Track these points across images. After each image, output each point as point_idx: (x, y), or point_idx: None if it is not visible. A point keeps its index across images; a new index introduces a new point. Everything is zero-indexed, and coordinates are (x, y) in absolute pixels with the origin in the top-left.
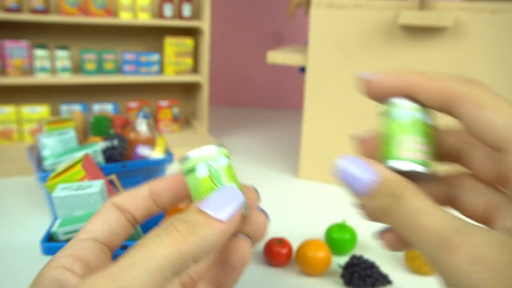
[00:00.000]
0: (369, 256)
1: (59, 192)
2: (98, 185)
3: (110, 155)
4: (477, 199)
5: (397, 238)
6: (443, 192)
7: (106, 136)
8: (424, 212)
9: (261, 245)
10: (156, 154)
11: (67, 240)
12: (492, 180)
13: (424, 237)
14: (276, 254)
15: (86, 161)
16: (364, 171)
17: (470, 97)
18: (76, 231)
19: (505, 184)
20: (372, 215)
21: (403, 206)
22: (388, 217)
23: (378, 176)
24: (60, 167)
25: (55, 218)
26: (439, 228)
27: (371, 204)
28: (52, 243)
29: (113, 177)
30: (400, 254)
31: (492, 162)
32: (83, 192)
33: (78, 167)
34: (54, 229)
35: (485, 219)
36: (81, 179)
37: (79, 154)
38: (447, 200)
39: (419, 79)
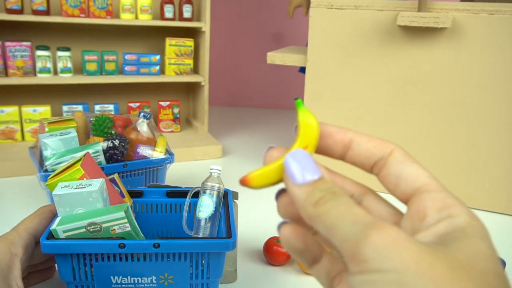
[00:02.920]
0: None
1: (59, 190)
2: (97, 183)
3: (111, 155)
4: (382, 214)
5: (302, 234)
6: (352, 193)
7: (107, 136)
8: (355, 205)
9: (261, 244)
10: (157, 154)
11: (67, 238)
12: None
13: (354, 219)
14: (276, 253)
15: (86, 160)
16: (311, 167)
17: (397, 152)
18: (75, 229)
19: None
20: (301, 203)
21: (340, 199)
22: (320, 205)
23: (320, 175)
24: (61, 167)
25: (55, 216)
26: (369, 216)
27: (306, 192)
28: (52, 240)
29: (115, 176)
30: None
31: (383, 210)
32: (83, 190)
33: (78, 166)
34: (53, 227)
35: None
36: (81, 178)
37: (80, 154)
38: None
39: (360, 135)
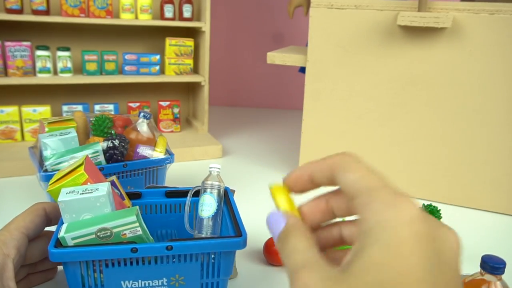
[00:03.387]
0: None
1: (65, 196)
2: (104, 188)
3: (111, 155)
4: (344, 230)
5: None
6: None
7: (107, 136)
8: (296, 252)
9: (261, 244)
10: (157, 154)
11: (76, 245)
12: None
13: (288, 263)
14: (276, 253)
15: (87, 164)
16: (278, 222)
17: (337, 163)
18: (85, 235)
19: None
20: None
21: (288, 241)
22: (279, 242)
23: (285, 222)
24: (60, 171)
25: (61, 223)
26: (297, 261)
27: (277, 247)
28: (61, 249)
29: (114, 178)
30: None
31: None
32: (90, 195)
33: (81, 170)
34: (61, 234)
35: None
36: (85, 183)
37: (80, 154)
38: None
39: (314, 165)
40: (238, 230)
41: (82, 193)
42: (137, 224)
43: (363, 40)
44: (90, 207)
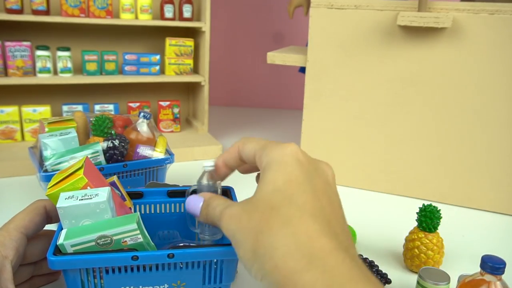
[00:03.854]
0: (368, 255)
1: (63, 202)
2: (104, 193)
3: (111, 155)
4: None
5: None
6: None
7: (107, 136)
8: (217, 205)
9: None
10: (157, 154)
11: (76, 252)
12: None
13: (214, 216)
14: None
15: (87, 166)
16: (197, 201)
17: (241, 144)
18: (85, 242)
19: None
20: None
21: (208, 207)
22: (206, 218)
23: (202, 200)
24: (58, 174)
25: (60, 228)
26: (220, 209)
27: (203, 218)
28: (60, 256)
29: (115, 178)
30: (400, 254)
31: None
32: (90, 201)
33: (80, 174)
34: (60, 241)
35: None
36: (84, 187)
37: (80, 154)
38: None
39: (225, 154)
40: None
41: (82, 199)
42: (138, 231)
43: (363, 40)
44: (90, 213)
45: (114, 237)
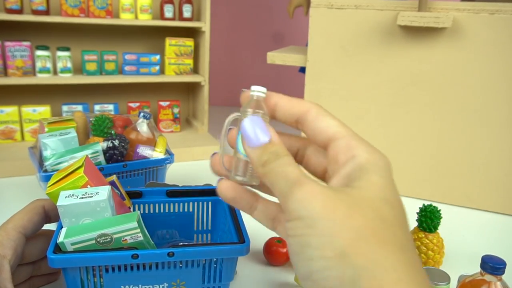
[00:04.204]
0: None
1: (64, 200)
2: (105, 192)
3: (111, 155)
4: (319, 160)
5: (232, 187)
6: (298, 148)
7: (107, 136)
8: (289, 165)
9: (261, 245)
10: (157, 154)
11: (76, 251)
12: (320, 171)
13: (286, 178)
14: (276, 253)
15: (87, 165)
16: (263, 132)
17: (312, 110)
18: (85, 241)
19: (328, 175)
20: (254, 162)
21: (279, 160)
22: (266, 166)
23: (270, 138)
24: (58, 173)
25: (59, 227)
26: (296, 173)
27: (258, 155)
28: (60, 254)
29: (114, 178)
30: None
31: (320, 155)
32: (90, 200)
33: (81, 173)
34: (60, 239)
35: (323, 179)
36: (84, 185)
37: (80, 154)
38: (299, 155)
39: (284, 99)
40: (241, 236)
41: (82, 197)
42: (138, 230)
43: (363, 40)
44: (90, 211)
45: (115, 236)
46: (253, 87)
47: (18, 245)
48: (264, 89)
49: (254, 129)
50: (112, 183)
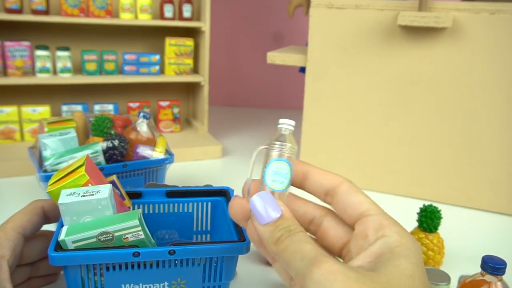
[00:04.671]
0: None
1: (65, 198)
2: (106, 190)
3: (110, 155)
4: (339, 234)
5: (243, 211)
6: (314, 216)
7: (107, 136)
8: (305, 242)
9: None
10: (156, 154)
11: (77, 249)
12: (338, 246)
13: (302, 256)
14: None
15: (88, 164)
16: (273, 208)
17: (345, 184)
18: (86, 238)
19: (348, 251)
20: (265, 240)
21: (294, 237)
22: (279, 244)
23: (281, 213)
24: (59, 171)
25: (60, 225)
26: (313, 252)
27: (270, 231)
28: (61, 252)
29: (114, 177)
30: None
31: (340, 230)
32: (92, 198)
33: (82, 171)
34: (61, 237)
35: (339, 254)
36: (85, 184)
37: (80, 154)
38: (314, 224)
39: (313, 169)
40: (241, 235)
41: (84, 195)
42: (140, 228)
43: (363, 40)
44: (91, 210)
45: (116, 234)
46: (281, 120)
47: (16, 245)
48: (292, 122)
49: (264, 206)
50: (112, 183)
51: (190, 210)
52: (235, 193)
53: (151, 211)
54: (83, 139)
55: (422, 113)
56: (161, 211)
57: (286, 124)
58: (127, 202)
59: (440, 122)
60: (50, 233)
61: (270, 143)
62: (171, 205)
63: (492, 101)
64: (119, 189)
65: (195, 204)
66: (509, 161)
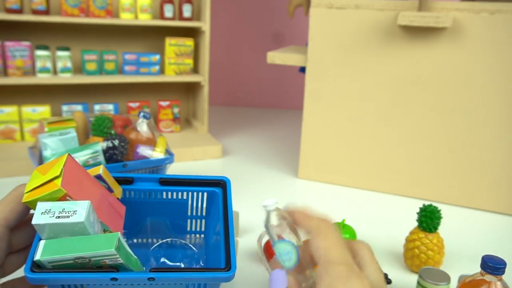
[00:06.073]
0: None
1: (40, 218)
2: (83, 211)
3: (110, 155)
4: None
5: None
6: None
7: (107, 136)
8: None
9: (261, 245)
10: (156, 154)
11: (54, 269)
12: None
13: None
14: None
15: (67, 170)
16: (280, 282)
17: (316, 229)
18: (62, 260)
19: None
20: None
21: None
22: None
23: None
24: (38, 172)
25: (38, 238)
26: None
27: None
28: (38, 273)
29: (101, 169)
30: (400, 254)
31: None
32: (67, 221)
33: (58, 185)
34: (37, 257)
35: None
36: (63, 197)
37: (80, 154)
38: None
39: (298, 216)
40: (228, 262)
41: (59, 216)
42: (117, 256)
43: (363, 40)
44: (68, 230)
45: (93, 258)
46: (265, 201)
47: (0, 239)
48: (273, 200)
49: (275, 282)
50: (98, 177)
51: (185, 197)
52: (232, 185)
53: (142, 197)
54: (83, 139)
55: (422, 113)
56: (154, 197)
57: (269, 205)
58: (116, 193)
59: (440, 122)
60: None
61: (265, 226)
62: (164, 192)
63: (491, 101)
64: (106, 182)
65: (189, 193)
66: (509, 161)
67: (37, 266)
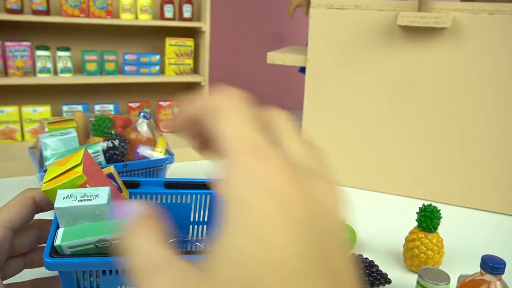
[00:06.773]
0: (368, 255)
1: (62, 202)
2: (105, 194)
3: (111, 155)
4: None
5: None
6: None
7: (107, 136)
8: (150, 244)
9: None
10: (157, 154)
11: (73, 254)
12: None
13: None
14: None
15: (85, 161)
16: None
17: (217, 110)
18: (83, 245)
19: None
20: None
21: (133, 239)
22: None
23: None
24: (54, 166)
25: (56, 226)
26: (144, 263)
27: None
28: (57, 259)
29: (112, 169)
30: (400, 254)
31: None
32: (90, 203)
33: (79, 172)
34: (57, 242)
35: None
36: (83, 185)
37: (77, 152)
38: None
39: (197, 104)
40: None
41: (81, 199)
42: None
43: (363, 40)
44: (89, 214)
45: (114, 242)
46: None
47: (3, 241)
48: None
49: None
50: (110, 176)
51: (188, 202)
52: None
53: (148, 201)
54: (84, 139)
55: (421, 113)
56: (159, 201)
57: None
58: (125, 193)
59: (440, 122)
60: (42, 222)
61: None
62: (169, 196)
63: (492, 101)
64: (117, 181)
65: (193, 196)
66: (509, 161)
67: (56, 253)
